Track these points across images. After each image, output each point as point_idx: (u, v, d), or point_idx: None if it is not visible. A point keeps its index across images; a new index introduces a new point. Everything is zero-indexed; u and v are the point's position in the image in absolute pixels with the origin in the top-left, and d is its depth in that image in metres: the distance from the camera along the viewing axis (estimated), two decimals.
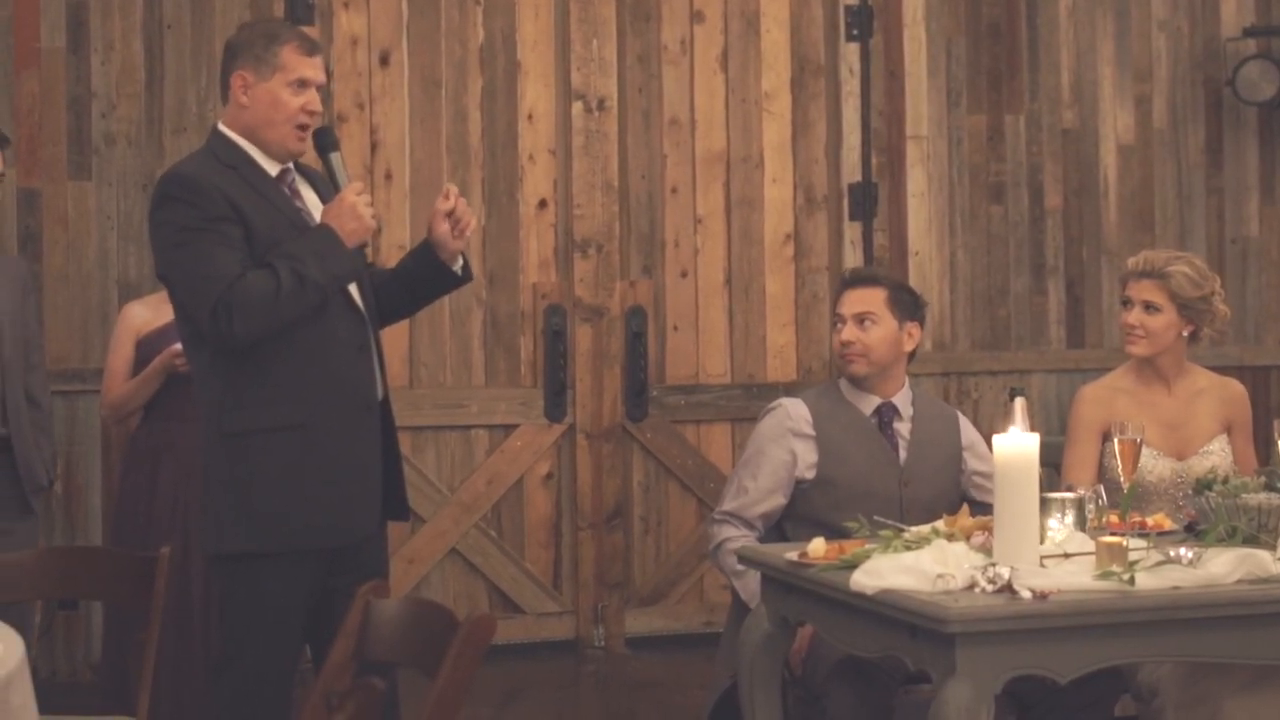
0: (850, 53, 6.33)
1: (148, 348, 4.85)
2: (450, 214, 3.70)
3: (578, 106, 6.12)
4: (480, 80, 6.07)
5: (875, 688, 3.71)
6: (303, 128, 3.60)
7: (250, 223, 3.49)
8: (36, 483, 4.73)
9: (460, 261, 3.80)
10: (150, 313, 4.89)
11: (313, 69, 3.61)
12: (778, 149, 6.31)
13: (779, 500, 4.08)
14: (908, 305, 4.15)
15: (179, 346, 4.45)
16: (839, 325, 4.14)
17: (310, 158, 3.76)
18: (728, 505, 4.11)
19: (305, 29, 5.69)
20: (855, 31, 6.32)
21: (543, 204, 6.12)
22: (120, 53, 5.70)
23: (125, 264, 5.68)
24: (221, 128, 3.63)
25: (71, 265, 5.64)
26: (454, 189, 3.74)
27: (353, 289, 3.62)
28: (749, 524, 4.07)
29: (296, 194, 3.65)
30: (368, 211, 3.54)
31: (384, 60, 5.97)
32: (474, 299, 6.00)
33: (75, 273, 5.64)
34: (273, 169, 3.61)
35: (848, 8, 6.32)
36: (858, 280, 4.20)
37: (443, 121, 6.02)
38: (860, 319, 4.10)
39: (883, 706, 3.73)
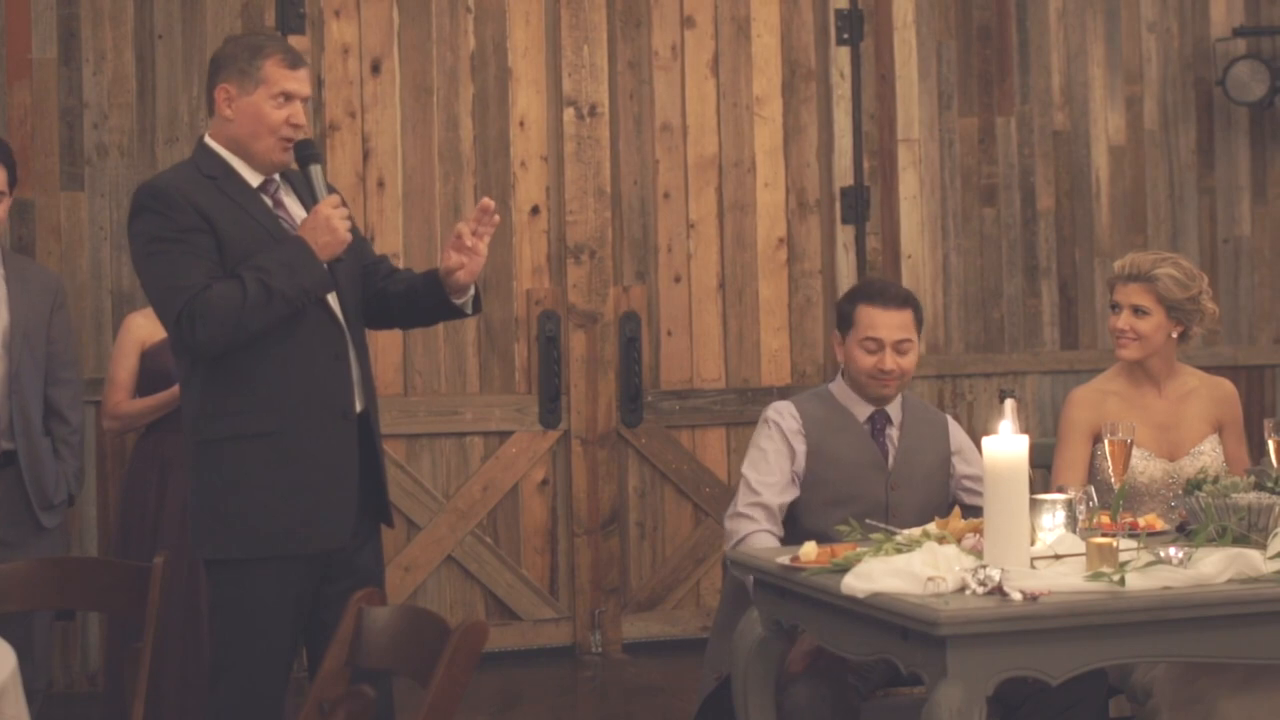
0: (841, 56, 6.34)
1: (154, 359, 4.87)
2: (464, 239, 3.69)
3: (569, 113, 6.13)
4: (471, 87, 6.08)
5: (835, 688, 3.71)
6: (287, 140, 3.61)
7: (222, 233, 3.51)
8: (47, 499, 4.73)
9: (470, 294, 3.78)
10: (153, 324, 4.90)
11: (296, 82, 3.62)
12: (769, 153, 6.33)
13: (794, 492, 4.02)
14: (921, 321, 4.16)
15: None
16: (875, 349, 4.04)
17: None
18: (743, 504, 3.99)
19: (293, 39, 5.73)
20: (846, 35, 6.34)
21: (535, 210, 6.13)
22: (112, 63, 5.71)
23: (118, 274, 5.69)
24: (207, 139, 3.65)
25: (65, 276, 5.63)
26: (491, 203, 3.73)
27: (331, 299, 3.62)
28: (769, 512, 3.97)
29: (279, 204, 3.66)
30: (343, 225, 3.55)
31: (375, 68, 5.98)
32: None
33: (69, 283, 5.64)
34: (255, 179, 3.63)
35: (838, 11, 6.33)
36: (894, 300, 4.07)
37: (434, 129, 6.03)
38: (899, 345, 4.05)
39: (844, 708, 3.72)
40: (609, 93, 6.17)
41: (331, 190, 3.65)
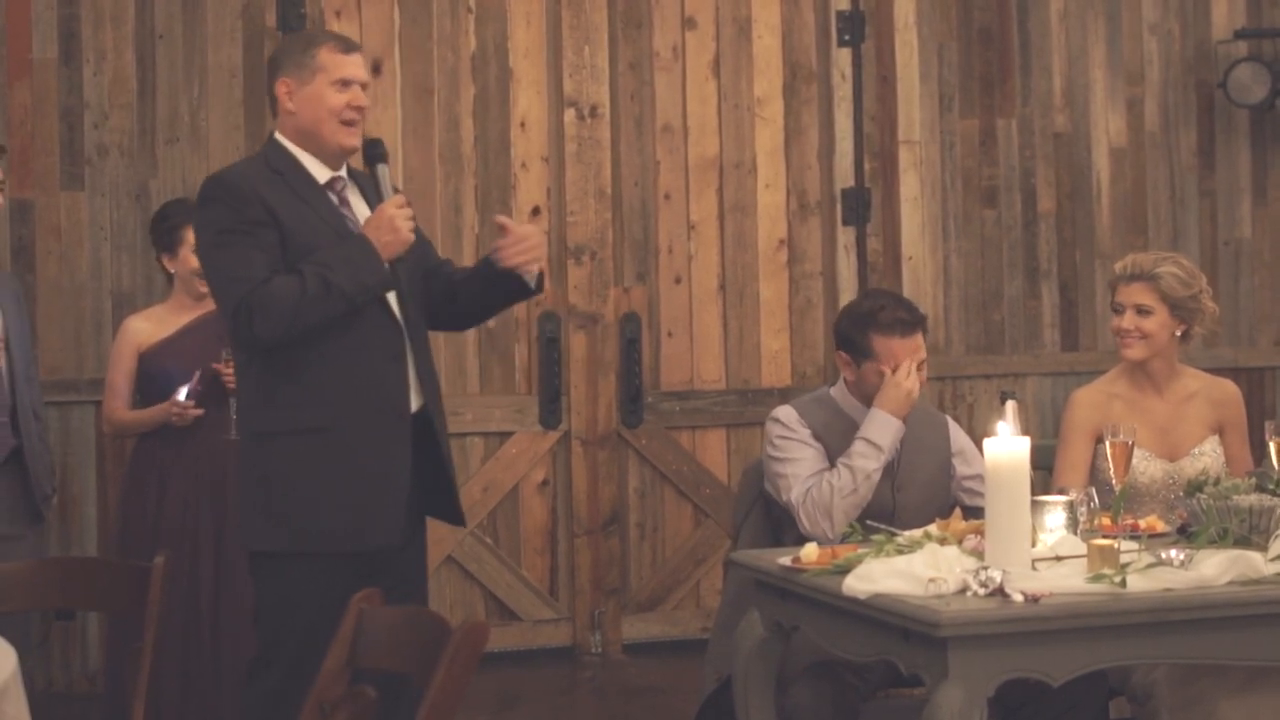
0: (842, 58, 6.34)
1: (150, 362, 4.87)
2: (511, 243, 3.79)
3: (570, 114, 6.13)
4: (472, 88, 6.08)
5: (837, 689, 3.71)
6: (350, 123, 3.66)
7: (287, 229, 3.56)
8: (44, 492, 4.78)
9: (535, 274, 3.88)
10: (151, 326, 4.90)
11: (353, 66, 3.69)
12: (770, 154, 6.32)
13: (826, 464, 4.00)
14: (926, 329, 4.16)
15: (181, 397, 4.66)
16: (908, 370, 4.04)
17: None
18: (796, 493, 3.94)
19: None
20: (847, 37, 6.33)
21: (536, 211, 6.13)
22: (112, 63, 5.71)
23: (119, 274, 5.68)
24: (276, 135, 3.72)
25: (65, 276, 5.64)
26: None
27: (391, 299, 3.66)
28: (817, 474, 3.96)
29: (345, 202, 3.71)
30: (406, 225, 3.60)
31: (376, 69, 5.97)
32: None
33: (69, 283, 5.65)
34: (323, 176, 3.68)
35: (839, 13, 6.33)
36: (908, 327, 4.03)
37: (435, 129, 6.03)
38: (919, 364, 4.05)
39: (845, 709, 3.72)
40: (610, 94, 6.17)
41: (396, 190, 3.69)
